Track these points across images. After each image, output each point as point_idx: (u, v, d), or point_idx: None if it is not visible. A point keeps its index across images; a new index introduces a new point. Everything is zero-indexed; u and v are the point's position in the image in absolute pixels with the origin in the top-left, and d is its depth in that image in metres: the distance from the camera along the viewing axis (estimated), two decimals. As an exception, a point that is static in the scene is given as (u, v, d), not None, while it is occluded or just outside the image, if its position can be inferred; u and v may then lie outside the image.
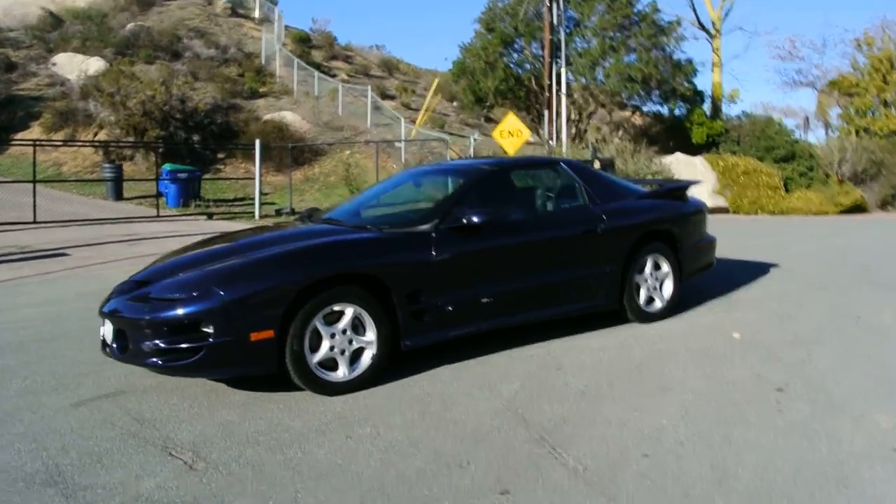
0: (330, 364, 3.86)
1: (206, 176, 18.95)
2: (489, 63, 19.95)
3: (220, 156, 21.48)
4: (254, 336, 3.60)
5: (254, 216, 16.01)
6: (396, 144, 23.12)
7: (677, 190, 5.82)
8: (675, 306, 5.50)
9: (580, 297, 4.89)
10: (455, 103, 27.40)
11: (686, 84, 20.28)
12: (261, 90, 27.43)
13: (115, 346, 3.83)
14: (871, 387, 3.88)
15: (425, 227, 4.26)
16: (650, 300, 5.31)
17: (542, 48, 19.92)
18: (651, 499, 2.68)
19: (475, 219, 4.24)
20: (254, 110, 24.61)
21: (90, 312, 6.42)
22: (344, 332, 3.87)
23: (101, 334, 4.10)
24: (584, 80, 19.64)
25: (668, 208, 5.47)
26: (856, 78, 25.77)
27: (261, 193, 16.47)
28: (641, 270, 5.21)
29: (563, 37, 17.63)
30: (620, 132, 19.53)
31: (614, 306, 5.09)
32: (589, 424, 3.42)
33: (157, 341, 3.63)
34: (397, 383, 4.07)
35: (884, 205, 19.32)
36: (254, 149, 20.77)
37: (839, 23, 47.67)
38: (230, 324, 3.57)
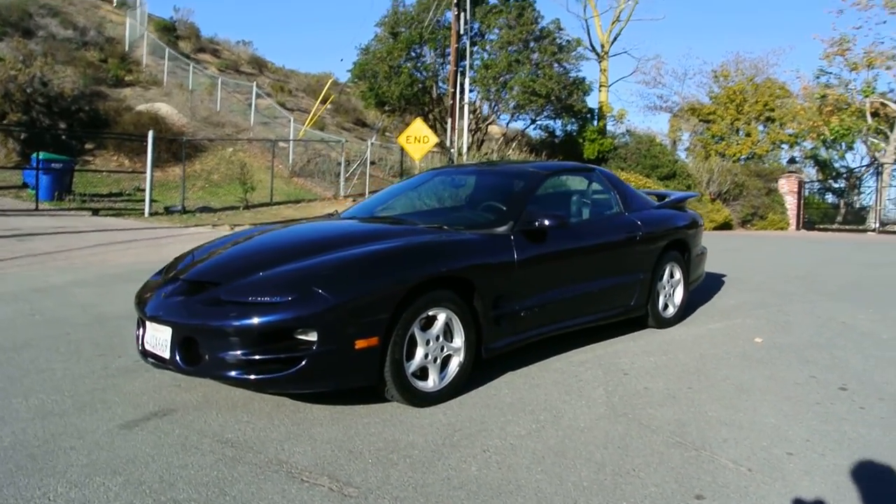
0: (419, 373, 3.57)
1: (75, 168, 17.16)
2: (393, 68, 19.70)
3: (89, 147, 19.56)
4: (359, 343, 3.25)
5: (143, 213, 14.72)
6: (282, 144, 22.26)
7: (681, 201, 6.02)
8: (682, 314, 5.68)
9: (621, 302, 4.91)
10: (329, 106, 26.78)
11: (581, 101, 21.21)
12: (126, 79, 25.38)
13: (177, 356, 3.30)
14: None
15: (503, 228, 4.07)
16: (665, 306, 5.43)
17: (443, 56, 20.07)
18: (829, 487, 2.69)
19: (547, 222, 4.11)
20: (122, 100, 22.74)
21: (41, 315, 5.61)
22: (437, 338, 3.60)
23: (144, 341, 3.55)
24: (490, 91, 19.91)
25: (682, 218, 5.64)
26: (713, 106, 28.25)
27: (150, 189, 15.14)
28: (661, 277, 5.32)
29: (468, 47, 17.80)
30: (514, 144, 20.03)
31: (642, 312, 5.15)
32: (709, 426, 3.41)
33: (244, 351, 3.17)
34: (478, 392, 3.86)
35: (744, 223, 21.28)
36: (129, 141, 19.28)
37: (699, 55, 51.90)
38: (337, 330, 3.19)
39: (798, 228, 22.30)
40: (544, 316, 4.25)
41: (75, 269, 8.29)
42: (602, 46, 25.12)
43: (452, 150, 17.06)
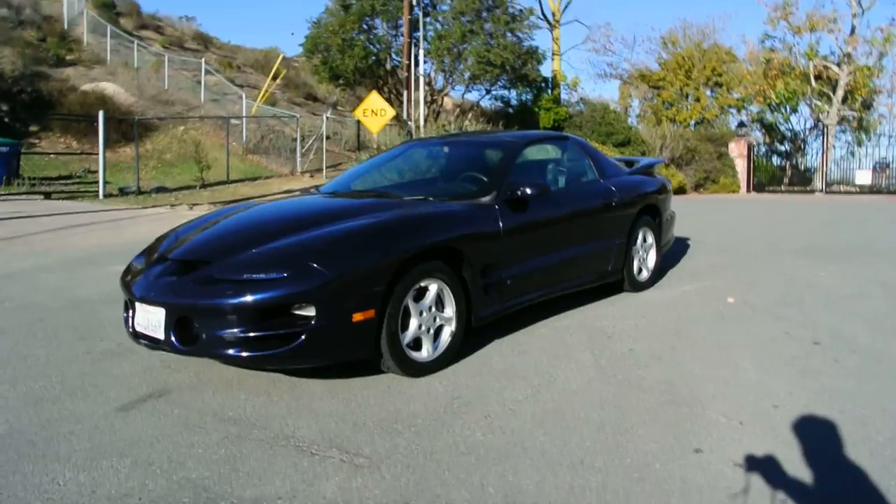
0: (413, 344, 3.62)
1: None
2: (346, 41, 19.37)
3: (34, 129, 18.86)
4: (356, 317, 3.27)
5: (97, 195, 14.30)
6: (234, 121, 21.77)
7: (650, 167, 6.14)
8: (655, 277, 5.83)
9: (599, 268, 5.02)
10: (278, 81, 26.24)
11: (536, 71, 21.24)
12: (68, 58, 24.45)
13: (172, 337, 3.27)
14: (878, 333, 4.40)
15: (486, 199, 4.12)
16: (640, 270, 5.57)
17: (395, 28, 19.82)
18: (818, 436, 2.85)
19: (529, 191, 4.17)
20: (65, 80, 21.91)
21: (10, 302, 5.45)
22: (430, 309, 3.65)
23: (135, 323, 3.51)
24: (444, 62, 19.78)
25: (653, 183, 5.77)
26: (662, 72, 28.63)
27: (104, 170, 14.68)
28: (635, 242, 5.45)
29: (420, 18, 17.60)
30: (470, 115, 20.02)
31: (619, 276, 5.28)
32: (696, 384, 3.54)
33: (242, 328, 3.16)
34: (469, 360, 3.93)
35: (697, 187, 21.77)
36: (76, 122, 18.65)
37: (647, 21, 52.18)
38: (334, 304, 3.21)
39: (749, 191, 22.89)
40: (528, 283, 4.33)
41: (37, 253, 8.05)
42: (553, 15, 25.16)
43: (410, 123, 16.96)
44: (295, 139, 21.09)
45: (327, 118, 19.84)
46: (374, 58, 20.16)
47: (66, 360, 4.05)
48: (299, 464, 2.69)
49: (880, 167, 22.99)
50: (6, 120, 17.90)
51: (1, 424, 3.10)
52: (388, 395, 3.40)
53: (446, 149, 5.13)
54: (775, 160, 29.67)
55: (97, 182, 15.60)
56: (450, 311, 3.75)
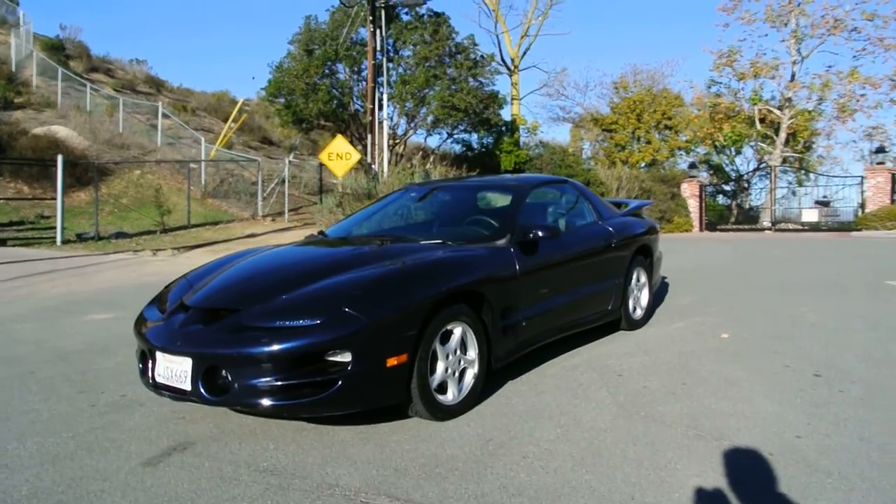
0: (438, 387, 3.62)
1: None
2: (309, 85, 19.46)
3: (-23, 174, 18.24)
4: (390, 361, 3.26)
5: (55, 241, 13.88)
6: (192, 165, 21.50)
7: (640, 208, 6.33)
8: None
9: (602, 307, 5.12)
10: (238, 124, 26.16)
11: (497, 115, 21.68)
12: (16, 101, 23.91)
13: (201, 387, 3.20)
14: (871, 364, 4.59)
15: (502, 242, 4.18)
16: (634, 309, 5.70)
17: (358, 73, 20.03)
18: (846, 463, 2.95)
19: (541, 234, 4.26)
20: (14, 123, 21.43)
21: (9, 351, 5.24)
22: (455, 351, 3.66)
23: (155, 374, 3.41)
24: (408, 106, 20.01)
25: (644, 225, 5.94)
26: (614, 116, 29.56)
27: (62, 216, 14.27)
28: (630, 282, 5.58)
29: (385, 63, 17.86)
30: (432, 158, 20.24)
31: (617, 315, 5.38)
32: (717, 418, 3.62)
33: (277, 377, 3.12)
34: (489, 402, 3.94)
35: (652, 225, 22.36)
36: (27, 166, 18.14)
37: (599, 67, 54.09)
38: (369, 349, 3.20)
39: (701, 230, 23.64)
40: (541, 324, 4.39)
41: (4, 303, 7.76)
42: (513, 61, 25.85)
43: (374, 167, 17.04)
44: (254, 183, 20.97)
45: (290, 162, 19.80)
46: (336, 102, 20.29)
47: (70, 414, 3.90)
48: (363, 514, 2.65)
49: (822, 205, 24.08)
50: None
51: (23, 485, 2.97)
52: (420, 439, 3.38)
53: (452, 193, 5.20)
54: (721, 200, 30.79)
55: (52, 228, 15.18)
56: (472, 353, 3.77)
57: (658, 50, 62.33)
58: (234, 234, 16.61)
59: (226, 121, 29.65)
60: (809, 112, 26.70)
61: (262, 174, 20.21)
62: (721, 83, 28.16)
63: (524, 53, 26.63)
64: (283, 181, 19.74)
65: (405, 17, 20.57)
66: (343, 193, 15.01)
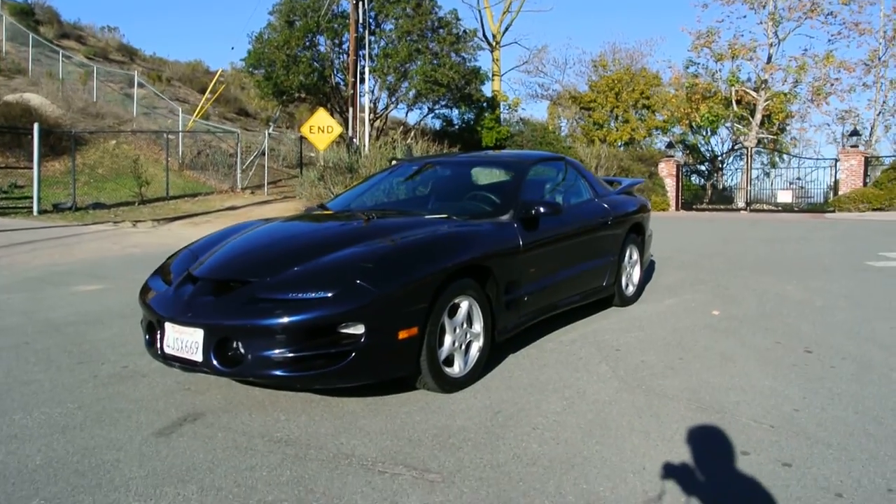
0: (445, 360, 3.67)
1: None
2: (290, 57, 19.17)
3: (-51, 142, 17.76)
4: (401, 334, 3.29)
5: (31, 211, 13.62)
6: (170, 136, 21.12)
7: (632, 186, 6.40)
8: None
9: (597, 283, 5.19)
10: (216, 95, 25.75)
11: (479, 91, 21.60)
12: (-15, 67, 23.23)
13: (213, 358, 3.21)
14: (860, 341, 4.73)
15: (506, 217, 4.22)
16: (626, 286, 5.79)
17: (339, 46, 19.77)
18: (843, 434, 3.07)
19: (542, 209, 4.30)
20: (-17, 89, 20.76)
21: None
22: (462, 325, 3.71)
23: (164, 345, 3.41)
24: (390, 80, 19.84)
25: (638, 203, 6.01)
26: (593, 94, 29.64)
27: (38, 186, 13.99)
28: (623, 259, 5.66)
29: (367, 36, 17.65)
30: (413, 133, 20.15)
31: (611, 292, 5.47)
32: (717, 392, 3.72)
33: (291, 348, 3.13)
34: (492, 375, 4.01)
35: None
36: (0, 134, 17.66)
37: (578, 44, 53.96)
38: (382, 322, 3.22)
39: (678, 209, 23.92)
40: (541, 299, 4.45)
41: (-14, 274, 7.62)
42: (494, 37, 25.72)
43: (356, 141, 16.92)
44: (232, 155, 20.71)
45: (269, 134, 19.56)
46: (317, 75, 20.04)
47: (73, 385, 3.89)
48: (372, 482, 2.69)
49: (795, 187, 24.50)
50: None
51: (35, 454, 2.96)
52: (429, 411, 3.43)
53: (452, 169, 5.21)
54: (695, 179, 31.15)
55: (27, 197, 14.89)
56: (478, 326, 3.82)
57: (638, 29, 62.45)
58: (213, 206, 16.43)
59: (201, 91, 29.11)
60: (785, 94, 27.02)
61: (241, 146, 19.96)
62: (699, 64, 28.38)
63: (506, 29, 26.58)
64: (263, 154, 19.51)
65: (387, -10, 20.35)
66: (325, 167, 14.89)
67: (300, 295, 3.21)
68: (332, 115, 19.19)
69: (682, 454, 2.95)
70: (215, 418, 3.36)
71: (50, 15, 32.48)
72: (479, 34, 24.11)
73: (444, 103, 22.00)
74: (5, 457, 2.94)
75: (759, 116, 26.81)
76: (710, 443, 3.07)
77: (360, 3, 16.91)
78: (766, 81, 26.77)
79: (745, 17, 41.73)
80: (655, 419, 3.35)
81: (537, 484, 2.68)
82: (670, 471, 2.79)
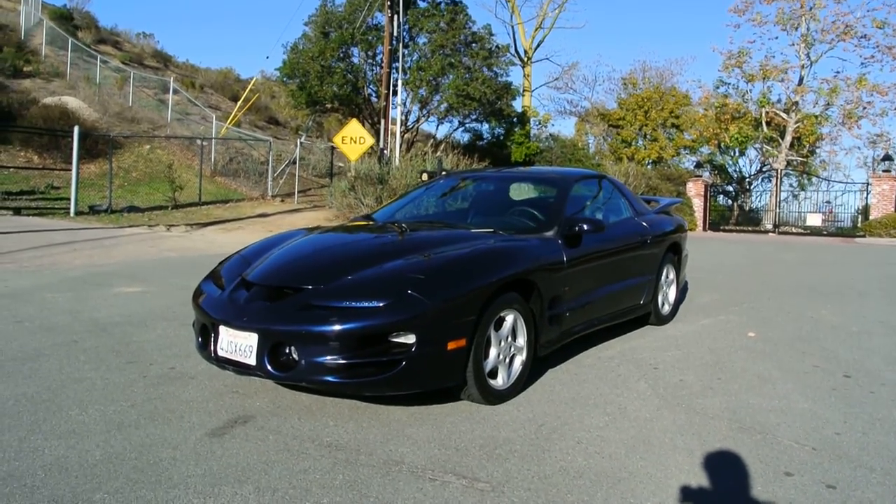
0: (489, 372, 3.72)
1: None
2: (325, 67, 19.45)
3: (-10, 142, 18.20)
4: (450, 345, 3.36)
5: (68, 212, 13.93)
6: (203, 143, 21.47)
7: (670, 206, 6.43)
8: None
9: (635, 301, 5.23)
10: (250, 104, 26.14)
11: (509, 105, 21.74)
12: (25, 69, 23.80)
13: (266, 363, 3.30)
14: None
15: (550, 233, 4.28)
16: (663, 304, 5.81)
17: (372, 58, 20.02)
18: (886, 460, 3.08)
19: (586, 227, 4.36)
20: (24, 92, 21.34)
21: (30, 323, 5.30)
22: (507, 338, 3.77)
23: (217, 348, 3.51)
24: (422, 93, 20.04)
25: (675, 222, 6.05)
26: (622, 112, 29.65)
27: (76, 187, 14.30)
28: (660, 277, 5.69)
29: (401, 49, 17.87)
30: (443, 146, 20.30)
31: (648, 310, 5.50)
32: (757, 413, 3.74)
33: (342, 355, 3.22)
34: (534, 389, 4.06)
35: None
36: (38, 136, 18.10)
37: (608, 62, 54.33)
38: (433, 332, 3.29)
39: (705, 229, 23.79)
40: (582, 315, 4.50)
41: (30, 272, 7.83)
42: (526, 52, 25.88)
43: (386, 153, 17.09)
44: (263, 162, 21.01)
45: (301, 143, 19.82)
46: (350, 86, 20.29)
47: (124, 384, 4.00)
48: (423, 488, 2.76)
49: (826, 210, 24.26)
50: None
51: (94, 449, 3.07)
52: (474, 421, 3.49)
53: (497, 184, 5.29)
54: (722, 200, 30.98)
55: (63, 199, 15.23)
56: (521, 340, 3.88)
57: (668, 48, 62.47)
58: (244, 213, 16.66)
59: (232, 99, 29.61)
60: (816, 117, 26.83)
61: (272, 154, 20.23)
62: (729, 84, 28.28)
63: (538, 46, 26.77)
64: (294, 162, 19.76)
65: (422, 4, 20.59)
66: (356, 177, 15.05)
67: (353, 303, 3.29)
68: (363, 126, 19.40)
69: (726, 473, 2.98)
70: (265, 421, 3.44)
71: (88, 20, 33.29)
72: (511, 50, 24.31)
73: (474, 117, 22.16)
74: (66, 451, 3.04)
75: (788, 138, 26.64)
76: (753, 463, 3.10)
77: (395, 17, 17.13)
78: (796, 103, 26.61)
79: (776, 38, 41.68)
80: (697, 437, 3.38)
81: (585, 496, 2.72)
82: (715, 489, 2.82)
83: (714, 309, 6.73)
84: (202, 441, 3.19)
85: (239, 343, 3.40)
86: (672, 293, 5.95)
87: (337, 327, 3.20)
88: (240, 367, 3.42)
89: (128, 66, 27.70)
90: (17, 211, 13.44)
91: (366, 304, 3.27)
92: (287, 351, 3.30)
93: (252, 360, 3.34)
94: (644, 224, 5.38)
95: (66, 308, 6.05)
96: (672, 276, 5.91)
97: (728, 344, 5.30)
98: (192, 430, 3.31)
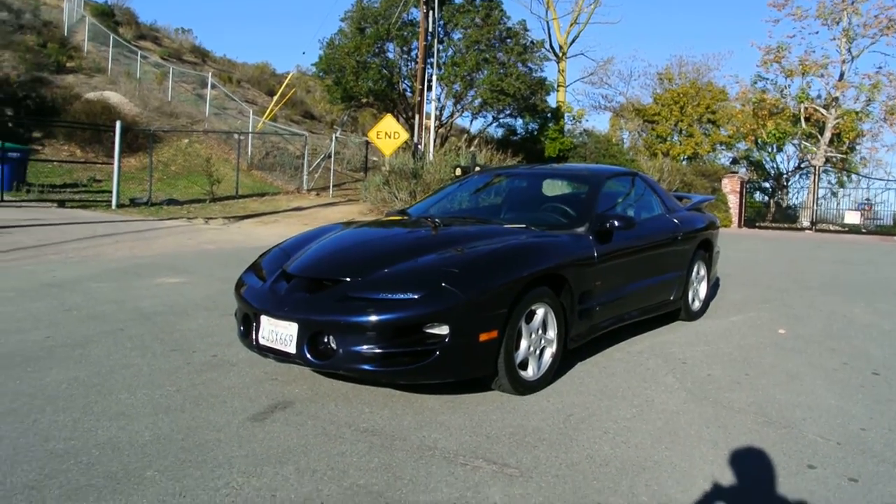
0: (520, 364, 3.83)
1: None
2: (360, 63, 19.68)
3: (37, 135, 18.79)
4: (482, 336, 3.48)
5: (109, 205, 14.33)
6: (240, 137, 21.85)
7: (702, 203, 6.46)
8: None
9: (665, 297, 5.29)
10: (287, 98, 26.47)
11: (543, 101, 21.74)
12: (68, 65, 24.42)
13: (306, 351, 3.45)
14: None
15: (581, 229, 4.37)
16: (693, 301, 5.85)
17: (407, 53, 20.19)
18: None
19: (617, 223, 4.43)
20: (67, 87, 21.93)
21: (77, 312, 5.55)
22: (538, 331, 3.87)
23: (259, 337, 3.67)
24: (456, 88, 20.17)
25: (707, 219, 6.08)
26: (657, 107, 29.39)
27: (118, 180, 14.71)
28: (691, 274, 5.73)
29: (436, 45, 18.00)
30: (477, 141, 20.39)
31: (678, 306, 5.55)
32: (783, 408, 3.79)
33: (378, 345, 3.35)
34: (563, 381, 4.15)
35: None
36: (80, 130, 18.62)
37: (644, 57, 54.00)
38: (465, 324, 3.41)
39: (740, 226, 23.49)
40: (612, 310, 4.58)
41: (75, 263, 8.13)
42: (561, 48, 25.82)
43: (420, 147, 17.24)
44: (298, 157, 21.32)
45: (336, 138, 20.07)
46: (385, 81, 20.48)
47: (169, 370, 4.19)
48: (455, 472, 2.88)
49: (865, 207, 23.79)
50: (10, 125, 17.82)
51: (144, 430, 3.24)
52: (505, 410, 3.60)
53: (530, 181, 5.39)
54: (758, 196, 30.51)
55: (105, 191, 15.65)
56: (552, 333, 3.97)
57: (705, 43, 61.64)
58: (280, 206, 16.95)
59: (268, 93, 30.05)
60: (856, 113, 26.27)
61: (308, 149, 20.52)
62: (767, 79, 27.79)
63: (573, 41, 26.66)
64: (329, 156, 20.02)
65: (457, 0, 20.67)
66: (390, 172, 15.22)
67: (390, 295, 3.42)
68: (397, 121, 19.58)
69: (749, 464, 3.05)
70: (303, 407, 3.60)
71: (129, 16, 34.00)
72: (546, 45, 24.31)
73: (508, 112, 22.19)
74: (118, 432, 3.23)
75: (828, 134, 26.12)
76: (777, 455, 3.16)
77: (431, 13, 17.24)
78: (836, 99, 26.08)
79: (817, 32, 40.71)
80: (723, 430, 3.45)
81: (611, 483, 2.82)
82: (738, 479, 2.90)
83: (745, 305, 6.74)
84: (244, 425, 3.35)
85: (280, 332, 3.56)
86: (703, 289, 5.98)
87: (373, 318, 3.34)
88: (280, 355, 3.58)
89: (167, 62, 28.22)
90: (61, 203, 13.87)
91: (401, 296, 3.40)
92: (325, 340, 3.45)
93: (292, 349, 3.50)
94: (675, 221, 5.43)
95: (110, 297, 6.29)
96: (703, 272, 5.94)
97: (758, 340, 5.33)
98: (234, 415, 3.48)
